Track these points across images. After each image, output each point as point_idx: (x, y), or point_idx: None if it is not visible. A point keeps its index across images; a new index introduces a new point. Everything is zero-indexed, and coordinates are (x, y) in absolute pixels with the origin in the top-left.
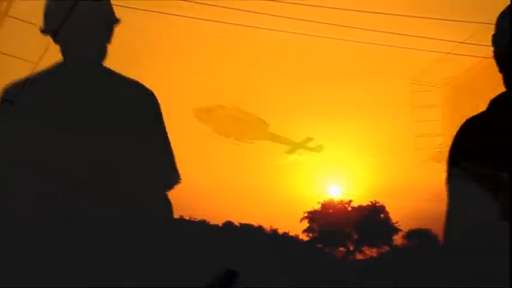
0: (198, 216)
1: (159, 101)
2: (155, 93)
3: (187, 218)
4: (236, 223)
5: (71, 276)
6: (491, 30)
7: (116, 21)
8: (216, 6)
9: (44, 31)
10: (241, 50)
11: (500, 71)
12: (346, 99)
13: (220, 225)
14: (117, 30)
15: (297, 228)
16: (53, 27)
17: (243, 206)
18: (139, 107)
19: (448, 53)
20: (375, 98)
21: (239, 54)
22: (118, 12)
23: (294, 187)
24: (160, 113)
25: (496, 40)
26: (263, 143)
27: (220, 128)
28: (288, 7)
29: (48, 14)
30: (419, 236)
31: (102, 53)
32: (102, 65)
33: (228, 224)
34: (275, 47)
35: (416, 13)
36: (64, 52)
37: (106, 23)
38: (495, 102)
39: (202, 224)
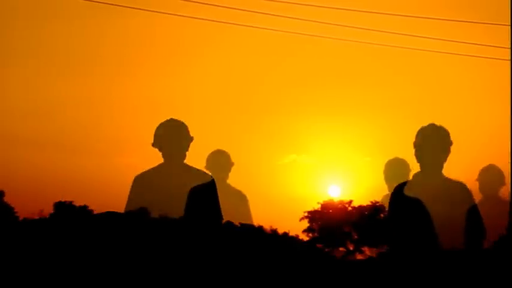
0: None
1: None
2: (155, 93)
3: None
4: (236, 223)
5: None
6: (492, 30)
7: (191, 139)
8: (217, 6)
9: (153, 145)
10: (242, 50)
11: (418, 162)
12: (346, 99)
13: None
14: (117, 31)
15: (297, 228)
16: (158, 144)
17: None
18: (205, 186)
19: (451, 53)
20: (375, 98)
21: (239, 54)
22: (119, 12)
23: (294, 187)
24: (216, 188)
25: (415, 145)
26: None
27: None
28: (288, 7)
29: (156, 136)
30: None
31: (184, 156)
32: (184, 162)
33: (228, 224)
34: (275, 47)
35: (417, 13)
36: (164, 157)
37: (185, 139)
38: (417, 175)
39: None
